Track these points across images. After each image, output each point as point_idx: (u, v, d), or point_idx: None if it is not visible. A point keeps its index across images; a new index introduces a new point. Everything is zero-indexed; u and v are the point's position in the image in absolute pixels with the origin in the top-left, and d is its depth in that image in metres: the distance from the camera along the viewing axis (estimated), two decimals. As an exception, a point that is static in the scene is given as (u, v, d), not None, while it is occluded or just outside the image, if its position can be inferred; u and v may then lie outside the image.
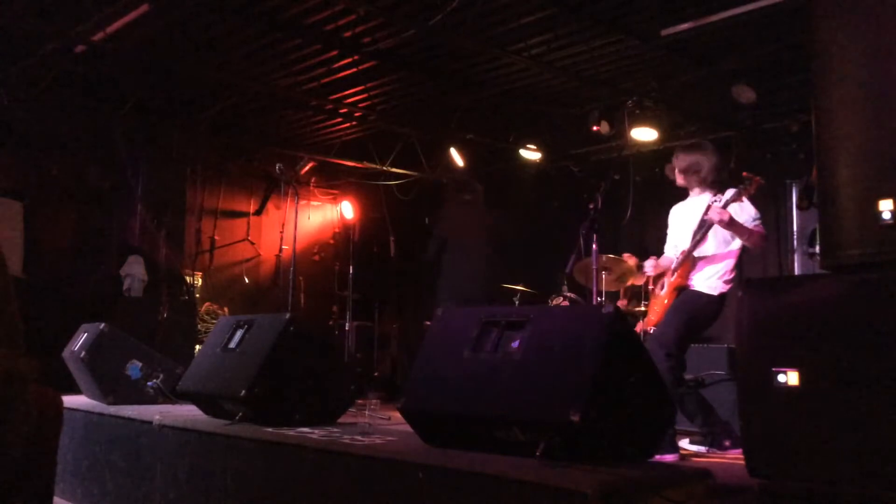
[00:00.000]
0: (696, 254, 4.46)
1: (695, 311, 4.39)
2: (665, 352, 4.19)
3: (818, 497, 2.32)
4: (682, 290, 4.48)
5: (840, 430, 2.29)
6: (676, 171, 4.60)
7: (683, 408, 4.39)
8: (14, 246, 7.42)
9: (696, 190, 4.60)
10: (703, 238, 4.43)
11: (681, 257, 4.51)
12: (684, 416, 4.44)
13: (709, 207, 4.34)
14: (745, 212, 4.38)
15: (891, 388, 2.23)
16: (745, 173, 4.26)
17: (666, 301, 4.52)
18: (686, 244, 4.52)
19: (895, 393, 2.22)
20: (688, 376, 5.38)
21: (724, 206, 4.23)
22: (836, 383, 2.33)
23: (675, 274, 4.50)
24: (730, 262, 4.47)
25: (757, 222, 4.38)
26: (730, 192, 4.33)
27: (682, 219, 4.68)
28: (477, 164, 9.53)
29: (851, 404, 2.29)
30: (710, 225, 4.36)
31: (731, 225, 4.24)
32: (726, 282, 4.45)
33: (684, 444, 4.46)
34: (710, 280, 4.44)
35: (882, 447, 2.22)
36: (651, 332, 4.59)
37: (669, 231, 4.82)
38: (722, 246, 4.44)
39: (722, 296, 4.44)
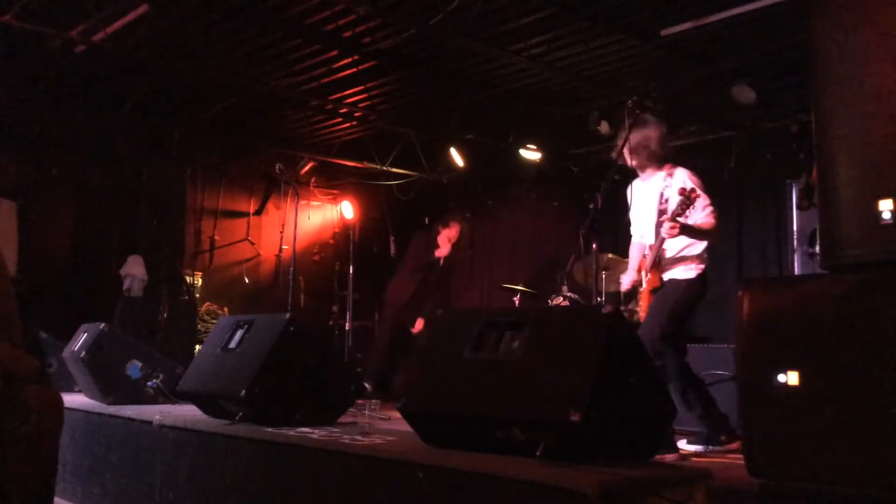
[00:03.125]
0: (662, 251, 4.47)
1: (676, 301, 4.38)
2: (652, 350, 4.15)
3: (818, 497, 2.32)
4: (659, 289, 4.48)
5: (840, 430, 2.29)
6: (626, 150, 4.57)
7: (684, 400, 4.37)
8: (9, 246, 7.42)
9: (649, 168, 4.59)
10: (660, 246, 4.45)
11: (650, 256, 4.49)
12: (684, 407, 4.40)
13: (661, 193, 4.41)
14: (697, 206, 4.35)
15: (891, 387, 2.23)
16: (680, 189, 4.25)
17: (642, 303, 4.54)
18: (650, 237, 4.52)
19: (895, 393, 2.22)
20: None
21: (673, 219, 4.25)
22: (836, 383, 2.33)
23: (650, 274, 4.51)
24: (697, 247, 4.45)
25: (708, 210, 4.37)
26: (679, 178, 4.37)
27: (642, 203, 4.65)
28: (477, 164, 9.54)
29: (851, 404, 2.29)
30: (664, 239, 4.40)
31: (685, 232, 4.29)
32: (699, 264, 4.44)
33: (681, 444, 4.46)
34: (682, 270, 4.45)
35: (882, 447, 2.22)
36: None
37: (632, 212, 4.78)
38: (684, 240, 4.45)
39: (700, 275, 4.44)
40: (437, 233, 7.68)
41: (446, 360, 3.08)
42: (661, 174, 4.53)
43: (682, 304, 4.40)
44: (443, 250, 7.56)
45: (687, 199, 4.23)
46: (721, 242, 4.43)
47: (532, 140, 8.94)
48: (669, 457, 3.90)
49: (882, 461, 2.21)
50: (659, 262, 4.47)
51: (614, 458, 2.60)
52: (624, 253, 7.53)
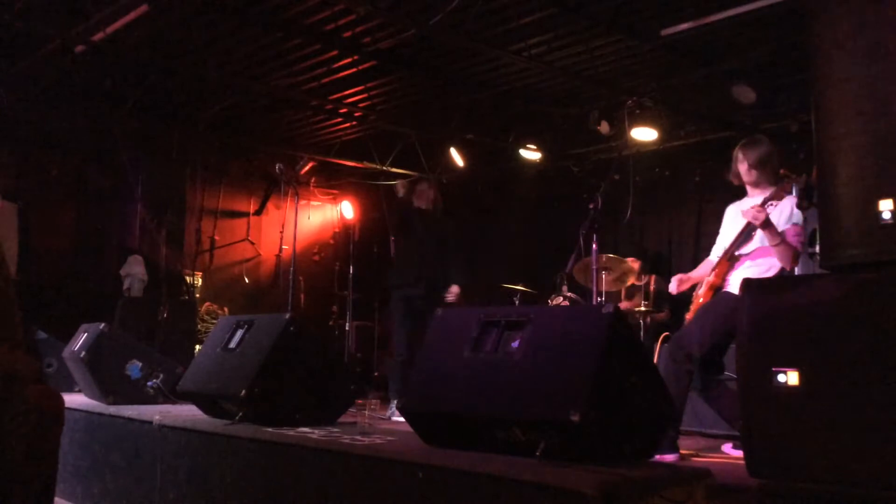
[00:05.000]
0: (736, 253, 4.19)
1: (726, 313, 3.97)
2: (684, 352, 3.97)
3: (818, 497, 2.32)
4: (718, 290, 4.22)
5: (840, 430, 2.29)
6: (745, 167, 4.29)
7: (714, 404, 4.21)
8: (10, 247, 7.42)
9: (762, 186, 4.28)
10: (746, 239, 4.15)
11: (722, 256, 4.26)
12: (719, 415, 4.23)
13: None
14: (792, 217, 4.10)
15: (891, 387, 2.23)
16: (782, 170, 4.00)
17: (702, 300, 4.27)
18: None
19: (895, 393, 2.22)
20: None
21: (763, 205, 3.99)
22: (836, 383, 2.33)
23: (713, 273, 4.24)
24: (772, 264, 4.14)
25: (797, 240, 4.07)
26: (788, 204, 4.11)
27: (735, 220, 4.36)
28: (477, 164, 9.54)
29: (851, 404, 2.29)
30: (749, 225, 4.10)
31: (765, 227, 3.98)
32: None
33: (726, 448, 4.29)
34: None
35: (882, 447, 2.22)
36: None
37: (721, 233, 4.50)
38: (766, 254, 4.14)
39: None
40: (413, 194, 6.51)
41: (446, 360, 3.08)
42: (767, 194, 4.19)
43: (728, 321, 3.90)
44: (422, 202, 6.42)
45: (785, 178, 3.95)
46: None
47: (532, 140, 8.95)
48: (669, 457, 3.89)
49: (882, 461, 2.21)
50: (731, 260, 4.19)
51: (614, 458, 2.60)
52: (623, 253, 7.55)
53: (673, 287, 4.43)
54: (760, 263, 4.18)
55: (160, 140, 8.80)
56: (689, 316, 4.39)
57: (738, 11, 5.80)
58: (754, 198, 4.32)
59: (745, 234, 4.17)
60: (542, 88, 7.82)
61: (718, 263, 4.25)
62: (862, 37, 2.49)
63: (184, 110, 8.54)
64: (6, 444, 2.05)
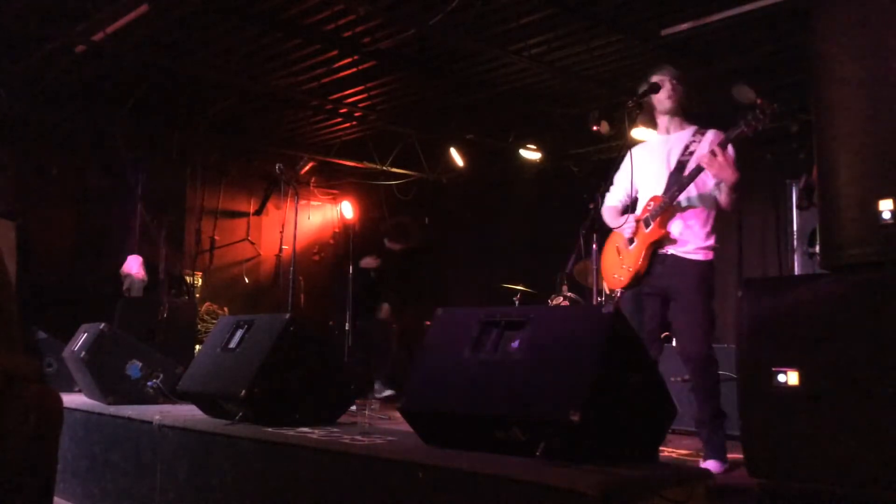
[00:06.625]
0: (677, 203, 3.89)
1: (710, 292, 3.80)
2: (705, 362, 3.81)
3: (818, 497, 2.32)
4: (660, 245, 3.88)
5: (840, 431, 2.29)
6: (667, 102, 4.12)
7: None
8: (8, 265, 7.36)
9: (672, 126, 4.14)
10: (687, 184, 3.84)
11: (654, 205, 3.90)
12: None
13: (687, 146, 3.88)
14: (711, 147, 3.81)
15: (891, 388, 2.23)
16: (759, 100, 3.78)
17: (642, 260, 3.90)
18: (656, 190, 3.94)
19: (895, 393, 2.22)
20: (687, 376, 5.34)
21: (725, 143, 3.71)
22: (836, 383, 2.33)
23: (652, 224, 3.89)
24: (712, 219, 3.92)
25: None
26: (713, 136, 3.89)
27: (651, 159, 4.06)
28: (477, 164, 9.54)
29: (851, 404, 2.29)
30: (700, 170, 3.77)
31: (723, 172, 3.73)
32: (707, 239, 3.88)
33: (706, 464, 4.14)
34: (700, 238, 3.87)
35: (882, 447, 2.22)
36: (618, 296, 4.00)
37: (621, 175, 4.17)
38: (707, 199, 3.91)
39: (712, 263, 3.86)
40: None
41: (446, 360, 3.08)
42: (689, 131, 4.08)
43: (710, 297, 3.80)
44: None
45: (762, 111, 3.71)
46: (721, 242, 4.12)
47: (532, 140, 8.95)
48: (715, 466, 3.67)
49: (882, 461, 2.21)
50: (670, 210, 3.89)
51: (614, 458, 2.60)
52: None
53: (629, 230, 4.02)
54: (706, 221, 3.94)
55: (160, 140, 8.81)
56: (612, 269, 4.06)
57: (738, 11, 5.80)
58: (663, 135, 4.15)
59: (684, 181, 3.87)
60: (542, 88, 7.82)
61: (661, 213, 3.89)
62: (862, 36, 2.49)
63: (184, 110, 8.53)
64: (6, 444, 2.05)
